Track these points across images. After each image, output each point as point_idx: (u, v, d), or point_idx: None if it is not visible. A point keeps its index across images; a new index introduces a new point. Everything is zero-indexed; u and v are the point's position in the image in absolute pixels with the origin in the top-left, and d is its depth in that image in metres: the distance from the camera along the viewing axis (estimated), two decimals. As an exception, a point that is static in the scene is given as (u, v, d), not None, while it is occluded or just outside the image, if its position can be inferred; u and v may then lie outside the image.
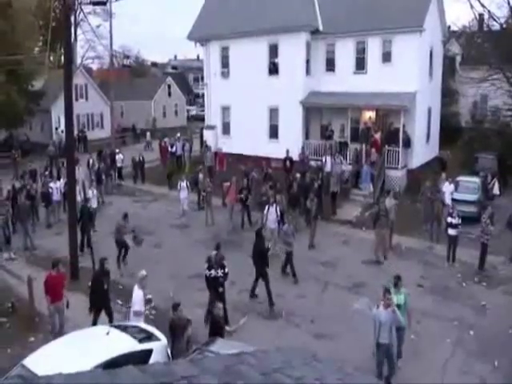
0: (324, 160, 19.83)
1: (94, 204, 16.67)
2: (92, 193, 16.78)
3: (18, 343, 9.14)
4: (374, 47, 20.81)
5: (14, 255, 14.37)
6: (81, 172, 18.67)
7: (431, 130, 23.24)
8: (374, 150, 19.95)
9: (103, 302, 9.46)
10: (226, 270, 10.06)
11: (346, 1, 22.19)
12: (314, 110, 22.51)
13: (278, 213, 14.25)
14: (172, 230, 16.73)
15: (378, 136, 20.58)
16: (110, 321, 9.32)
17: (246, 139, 23.27)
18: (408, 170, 20.31)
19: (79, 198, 14.45)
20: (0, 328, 9.76)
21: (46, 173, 20.81)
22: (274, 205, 14.27)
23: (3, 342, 9.04)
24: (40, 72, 32.19)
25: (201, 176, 18.53)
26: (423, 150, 21.86)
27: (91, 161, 22.09)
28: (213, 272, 9.94)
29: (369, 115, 21.62)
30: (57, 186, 17.86)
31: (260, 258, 10.86)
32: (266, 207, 14.30)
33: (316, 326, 10.04)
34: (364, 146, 20.55)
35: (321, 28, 22.02)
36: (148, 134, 31.38)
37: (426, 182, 16.45)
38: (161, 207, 19.41)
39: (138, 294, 8.61)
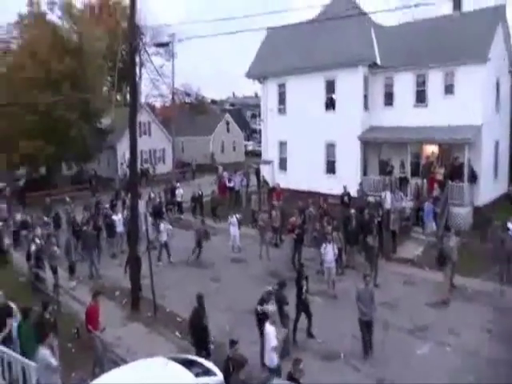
0: (383, 196, 19.61)
1: (164, 237, 17.42)
2: (164, 226, 17.56)
3: (82, 368, 9.65)
4: (435, 80, 20.65)
5: (79, 283, 15.33)
6: (142, 205, 19.77)
7: (499, 164, 22.39)
8: (436, 185, 19.50)
9: (203, 338, 9.67)
10: (273, 307, 10.02)
11: (405, 33, 22.39)
12: (373, 144, 22.49)
13: (336, 251, 14.12)
14: (229, 263, 17.13)
15: (440, 171, 20.13)
16: (208, 355, 9.49)
17: (303, 174, 23.58)
18: (474, 207, 19.58)
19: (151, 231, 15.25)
20: (65, 352, 10.37)
21: (107, 205, 22.18)
22: (332, 242, 14.15)
23: (68, 366, 9.54)
24: (108, 110, 34.95)
25: (264, 215, 18.70)
26: (491, 185, 21.05)
27: (152, 194, 23.33)
28: (266, 307, 9.98)
29: (431, 149, 21.26)
30: (119, 218, 19.05)
31: (298, 292, 10.99)
32: (323, 245, 14.18)
33: (377, 370, 9.79)
34: (426, 181, 20.15)
35: (379, 62, 22.25)
36: (221, 167, 32.48)
37: (495, 221, 15.79)
38: (219, 240, 19.88)
39: (271, 330, 8.67)
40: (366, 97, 22.48)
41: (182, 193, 25.08)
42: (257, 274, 15.68)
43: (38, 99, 29.04)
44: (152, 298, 12.33)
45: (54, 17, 36.45)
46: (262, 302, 10.12)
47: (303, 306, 11.06)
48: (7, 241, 19.28)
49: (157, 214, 20.57)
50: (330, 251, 13.87)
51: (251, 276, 15.53)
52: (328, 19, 21.15)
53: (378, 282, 14.28)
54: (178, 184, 26.76)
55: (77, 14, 38.44)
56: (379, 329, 11.05)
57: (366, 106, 22.54)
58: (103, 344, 9.74)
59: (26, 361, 7.91)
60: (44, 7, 35.16)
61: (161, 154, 42.10)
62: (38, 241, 16.00)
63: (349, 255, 16.17)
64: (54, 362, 7.80)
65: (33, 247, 15.50)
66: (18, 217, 20.91)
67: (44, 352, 7.76)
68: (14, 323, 9.37)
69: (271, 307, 10.00)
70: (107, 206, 22.00)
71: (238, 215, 18.43)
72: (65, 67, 30.72)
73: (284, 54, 25.20)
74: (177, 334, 11.25)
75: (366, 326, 10.28)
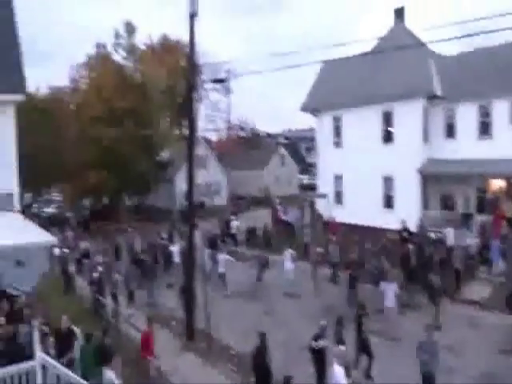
0: (446, 232, 18.87)
1: (221, 268, 17.81)
2: (222, 257, 18.00)
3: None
4: (500, 110, 19.93)
5: (137, 310, 15.90)
6: (198, 236, 20.35)
7: None
8: (504, 222, 18.55)
9: (266, 378, 9.70)
10: (328, 342, 9.82)
11: (466, 62, 21.91)
12: (433, 178, 21.90)
13: (397, 290, 13.46)
14: (283, 297, 17.06)
15: (509, 206, 19.18)
16: None
17: (360, 208, 23.24)
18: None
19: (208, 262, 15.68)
20: (123, 377, 10.73)
21: (165, 236, 22.93)
22: (391, 280, 13.69)
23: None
24: (167, 144, 36.71)
25: (318, 249, 18.65)
26: None
27: (208, 226, 24.01)
28: (321, 343, 9.80)
29: (497, 184, 20.37)
30: (176, 249, 19.69)
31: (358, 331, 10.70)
32: (382, 282, 13.75)
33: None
34: (492, 217, 19.24)
35: (439, 93, 21.89)
36: (277, 200, 32.92)
37: None
38: (273, 274, 19.86)
39: (339, 371, 8.42)
40: (425, 129, 22.09)
41: (237, 225, 25.60)
42: (311, 309, 15.50)
43: (103, 134, 31.20)
44: (207, 329, 12.50)
45: (119, 57, 39.38)
46: (317, 337, 9.98)
47: (363, 346, 10.76)
48: (72, 268, 20.46)
49: (212, 246, 21.04)
50: (389, 289, 13.35)
51: (305, 311, 15.40)
52: (385, 50, 21.17)
53: (441, 324, 13.60)
54: (233, 216, 27.32)
55: (140, 53, 41.26)
56: (442, 375, 10.49)
57: (425, 138, 22.11)
58: (159, 371, 9.98)
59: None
60: (110, 48, 38.13)
61: (216, 187, 43.32)
62: (100, 268, 16.87)
63: (409, 294, 15.58)
64: None
65: (95, 274, 16.35)
66: (83, 245, 22.17)
67: (110, 374, 8.14)
68: (76, 346, 9.91)
69: (326, 343, 9.84)
70: (165, 236, 22.79)
71: (292, 249, 18.40)
72: (128, 103, 32.91)
73: (340, 87, 25.39)
74: (231, 367, 11.29)
75: (429, 381, 9.60)
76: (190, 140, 14.03)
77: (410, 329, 12.27)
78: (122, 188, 34.99)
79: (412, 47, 21.04)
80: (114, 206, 36.95)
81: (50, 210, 40.92)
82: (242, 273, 19.67)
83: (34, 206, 42.98)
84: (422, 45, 22.08)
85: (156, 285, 17.80)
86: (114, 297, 15.58)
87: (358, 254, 17.21)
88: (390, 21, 26.03)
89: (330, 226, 23.26)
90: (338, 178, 25.52)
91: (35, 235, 10.11)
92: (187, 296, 13.66)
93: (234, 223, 25.79)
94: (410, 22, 26.02)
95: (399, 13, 25.81)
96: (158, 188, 38.57)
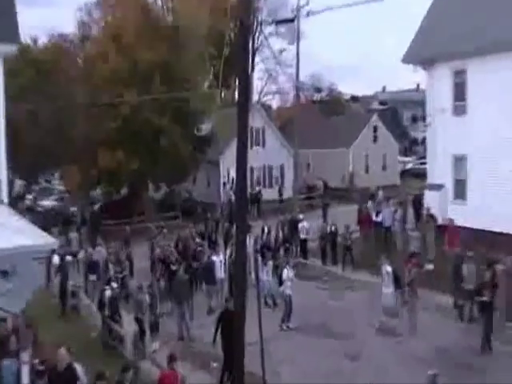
0: None
1: (286, 289, 17.71)
2: (287, 273, 17.85)
3: None
4: None
5: (163, 345, 16.13)
6: (251, 243, 20.37)
7: None
8: None
9: None
10: None
11: None
12: None
13: None
14: (374, 335, 16.76)
15: None
16: None
17: (494, 207, 22.30)
18: None
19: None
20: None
21: (203, 241, 23.13)
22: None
23: None
24: (209, 112, 36.91)
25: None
26: None
27: (266, 228, 24.06)
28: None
29: None
30: (221, 259, 19.90)
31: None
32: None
33: None
34: None
35: None
36: (380, 192, 32.59)
37: None
38: (359, 300, 19.69)
39: None
40: None
41: (308, 228, 25.40)
42: (416, 351, 15.11)
43: (121, 98, 31.77)
44: (262, 374, 12.42)
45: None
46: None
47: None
48: (76, 282, 21.13)
49: (272, 256, 21.24)
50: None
51: (407, 355, 15.01)
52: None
53: None
54: (302, 216, 27.10)
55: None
56: None
57: None
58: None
59: None
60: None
61: (278, 173, 43.28)
62: (114, 285, 17.23)
63: None
64: None
65: (108, 292, 16.71)
66: (93, 252, 22.84)
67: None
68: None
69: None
70: (205, 241, 23.07)
71: (390, 264, 17.86)
72: (155, 56, 33.24)
73: (462, 27, 24.47)
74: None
75: None
76: (242, 106, 13.77)
77: None
78: (147, 173, 35.60)
79: None
80: (135, 199, 37.81)
81: (48, 202, 42.72)
82: (312, 296, 19.50)
83: (27, 196, 44.99)
84: None
85: (191, 309, 17.95)
86: (139, 323, 15.88)
87: (491, 275, 16.44)
88: None
89: (448, 233, 22.41)
90: (460, 161, 24.76)
91: (27, 237, 10.30)
92: (237, 325, 13.44)
93: (304, 225, 25.54)
94: None
95: None
96: (195, 174, 39.06)
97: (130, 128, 33.04)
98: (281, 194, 41.04)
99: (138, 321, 16.13)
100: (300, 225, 25.76)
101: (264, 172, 42.55)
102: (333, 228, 25.08)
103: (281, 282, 18.38)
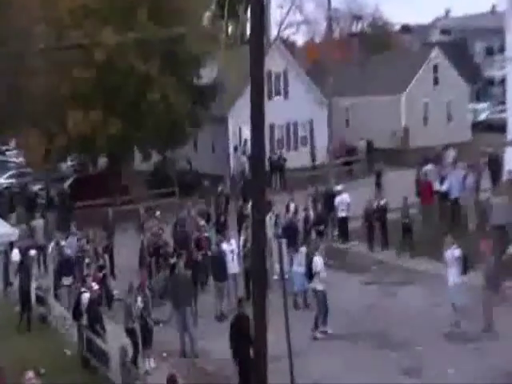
0: None
1: (318, 284, 17.70)
2: (320, 263, 17.81)
3: None
4: None
5: (161, 362, 16.29)
6: (271, 223, 20.30)
7: None
8: None
9: None
10: None
11: None
12: None
13: None
14: (442, 341, 16.78)
15: None
16: None
17: None
18: None
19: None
20: None
21: (206, 223, 23.12)
22: None
23: None
24: (211, 53, 36.58)
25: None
26: None
27: (292, 206, 23.94)
28: None
29: None
30: (233, 248, 19.84)
31: None
32: None
33: None
34: None
35: None
36: (450, 153, 32.43)
37: None
38: (421, 296, 19.71)
39: None
40: None
41: (348, 202, 25.29)
42: (499, 364, 14.98)
43: (96, 38, 31.57)
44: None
45: None
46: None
47: None
48: (44, 283, 21.23)
49: (299, 241, 21.04)
50: None
51: (487, 367, 14.91)
52: None
53: None
54: (340, 186, 26.90)
55: None
56: None
57: None
58: None
59: None
60: None
61: (307, 131, 42.97)
62: (94, 286, 17.24)
63: None
64: None
65: (85, 296, 16.72)
66: (65, 243, 22.84)
67: None
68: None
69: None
70: (210, 225, 23.03)
71: (458, 247, 17.74)
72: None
73: None
74: None
75: None
76: (256, 44, 13.59)
77: None
78: (132, 138, 35.38)
79: None
80: (117, 172, 37.79)
81: (3, 180, 42.95)
82: (357, 293, 19.67)
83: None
84: None
85: (195, 315, 18.02)
86: (131, 335, 15.90)
87: None
88: None
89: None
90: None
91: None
92: (257, 332, 13.41)
93: (344, 198, 25.40)
94: None
95: None
96: (196, 137, 38.85)
97: (108, 79, 32.93)
98: (313, 159, 40.95)
99: (130, 332, 16.09)
100: (338, 198, 25.58)
101: (288, 130, 42.21)
102: (381, 202, 24.96)
103: (311, 275, 18.23)
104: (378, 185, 32.54)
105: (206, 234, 22.45)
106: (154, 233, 22.74)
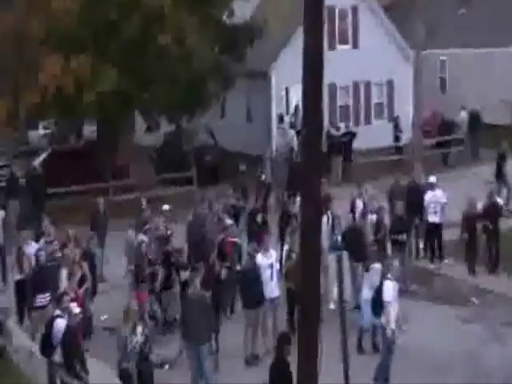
0: None
1: (393, 323, 17.50)
2: (393, 286, 17.74)
3: None
4: None
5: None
6: (328, 228, 20.38)
7: None
8: None
9: None
10: None
11: None
12: None
13: None
14: None
15: None
16: None
17: None
18: None
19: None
20: None
21: (228, 221, 23.34)
22: None
23: None
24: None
25: None
26: None
27: (360, 204, 24.22)
28: None
29: None
30: (272, 262, 19.90)
31: None
32: None
33: None
34: None
35: None
36: None
37: None
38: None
39: None
40: None
41: (444, 201, 25.21)
42: None
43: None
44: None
45: None
46: None
47: None
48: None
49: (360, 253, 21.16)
50: None
51: None
52: None
53: None
54: (432, 178, 26.70)
55: None
56: None
57: None
58: None
59: None
60: None
61: (384, 96, 42.82)
62: (74, 309, 17.31)
63: None
64: None
65: (59, 323, 16.81)
66: (36, 245, 22.84)
67: None
68: None
69: None
70: (238, 224, 23.21)
71: None
72: None
73: None
74: None
75: None
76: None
77: None
78: (131, 97, 35.32)
79: None
80: (109, 146, 37.82)
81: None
82: (451, 335, 19.64)
83: None
84: None
85: (216, 354, 18.24)
86: (126, 379, 15.92)
87: None
88: None
89: None
90: None
91: None
92: (300, 348, 13.45)
93: (437, 196, 25.20)
94: None
95: None
96: (223, 99, 38.92)
97: (100, 12, 33.04)
98: (396, 138, 40.42)
99: (124, 374, 16.15)
100: (428, 196, 25.40)
101: (356, 94, 42.09)
102: (498, 201, 25.00)
103: (380, 306, 18.02)
104: (499, 176, 31.92)
105: (235, 239, 22.40)
106: (160, 235, 22.83)
